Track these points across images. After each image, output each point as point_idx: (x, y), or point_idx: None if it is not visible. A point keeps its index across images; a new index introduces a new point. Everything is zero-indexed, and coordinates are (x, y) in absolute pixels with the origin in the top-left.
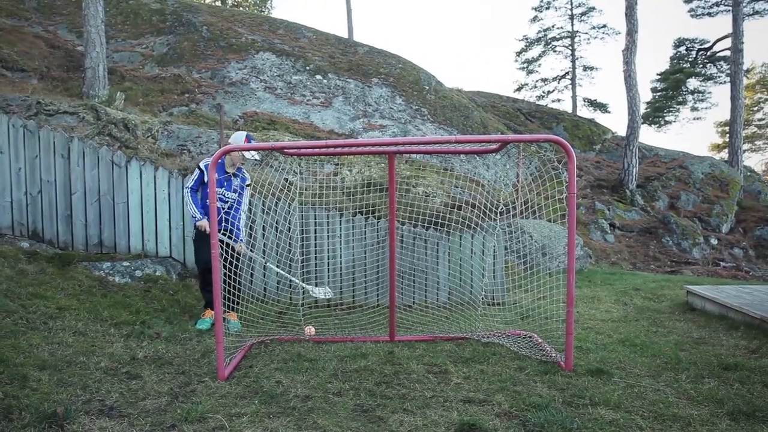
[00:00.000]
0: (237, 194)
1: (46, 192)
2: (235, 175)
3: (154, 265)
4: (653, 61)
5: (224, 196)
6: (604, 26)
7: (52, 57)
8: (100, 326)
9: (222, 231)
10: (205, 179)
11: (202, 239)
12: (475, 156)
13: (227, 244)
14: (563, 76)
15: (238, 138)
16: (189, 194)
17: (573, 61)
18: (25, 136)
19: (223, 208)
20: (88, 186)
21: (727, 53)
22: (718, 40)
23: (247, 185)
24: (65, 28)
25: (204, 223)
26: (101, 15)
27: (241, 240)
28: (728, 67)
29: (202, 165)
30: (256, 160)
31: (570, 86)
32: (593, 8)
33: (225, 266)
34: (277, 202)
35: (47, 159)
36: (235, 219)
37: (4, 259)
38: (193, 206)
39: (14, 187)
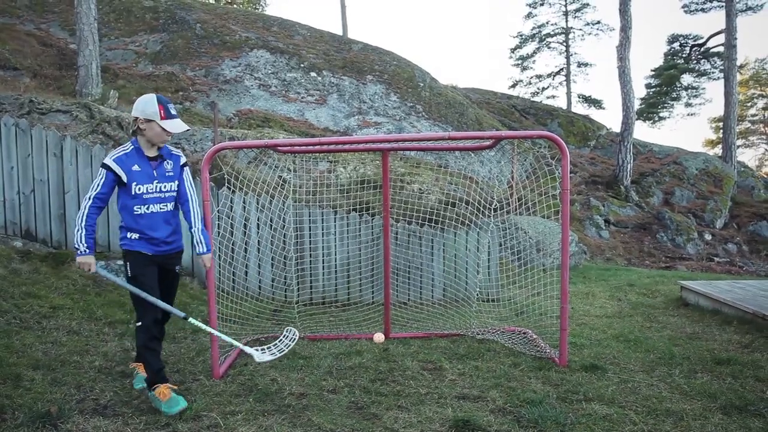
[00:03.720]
0: (176, 181)
1: (39, 191)
2: (161, 158)
3: None
4: (647, 57)
5: (160, 190)
6: (598, 23)
7: (45, 55)
8: (94, 325)
9: (166, 247)
10: (125, 177)
11: (145, 271)
12: (470, 153)
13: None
14: (558, 73)
15: (148, 103)
16: (90, 209)
17: (567, 58)
18: (17, 134)
19: (163, 208)
20: (81, 185)
21: (721, 49)
22: (712, 36)
23: (183, 165)
24: (57, 26)
25: (88, 261)
26: (94, 13)
27: (208, 247)
28: (722, 63)
29: (108, 161)
30: (187, 130)
31: (564, 83)
32: (587, 4)
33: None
34: (271, 200)
35: (40, 158)
36: (189, 217)
37: None
38: (85, 235)
39: (6, 186)
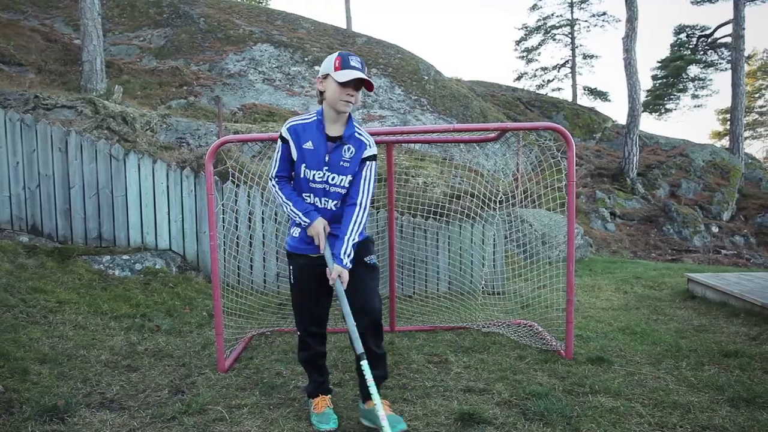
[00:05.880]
0: (349, 176)
1: (45, 186)
2: (341, 141)
3: (154, 258)
4: (654, 48)
5: (326, 181)
6: (604, 14)
7: (49, 51)
8: (100, 320)
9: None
10: (294, 154)
11: (310, 272)
12: (475, 145)
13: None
14: (563, 65)
15: (328, 58)
16: (278, 186)
17: (573, 50)
18: (23, 130)
19: (325, 205)
20: (86, 180)
21: (728, 40)
22: (719, 26)
23: (369, 157)
24: (62, 22)
25: (319, 228)
26: (98, 8)
27: (349, 258)
28: (729, 53)
29: (283, 130)
30: (359, 79)
31: (570, 75)
32: None
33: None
34: None
35: (45, 153)
36: (349, 222)
37: (3, 254)
38: (293, 204)
39: (12, 181)
